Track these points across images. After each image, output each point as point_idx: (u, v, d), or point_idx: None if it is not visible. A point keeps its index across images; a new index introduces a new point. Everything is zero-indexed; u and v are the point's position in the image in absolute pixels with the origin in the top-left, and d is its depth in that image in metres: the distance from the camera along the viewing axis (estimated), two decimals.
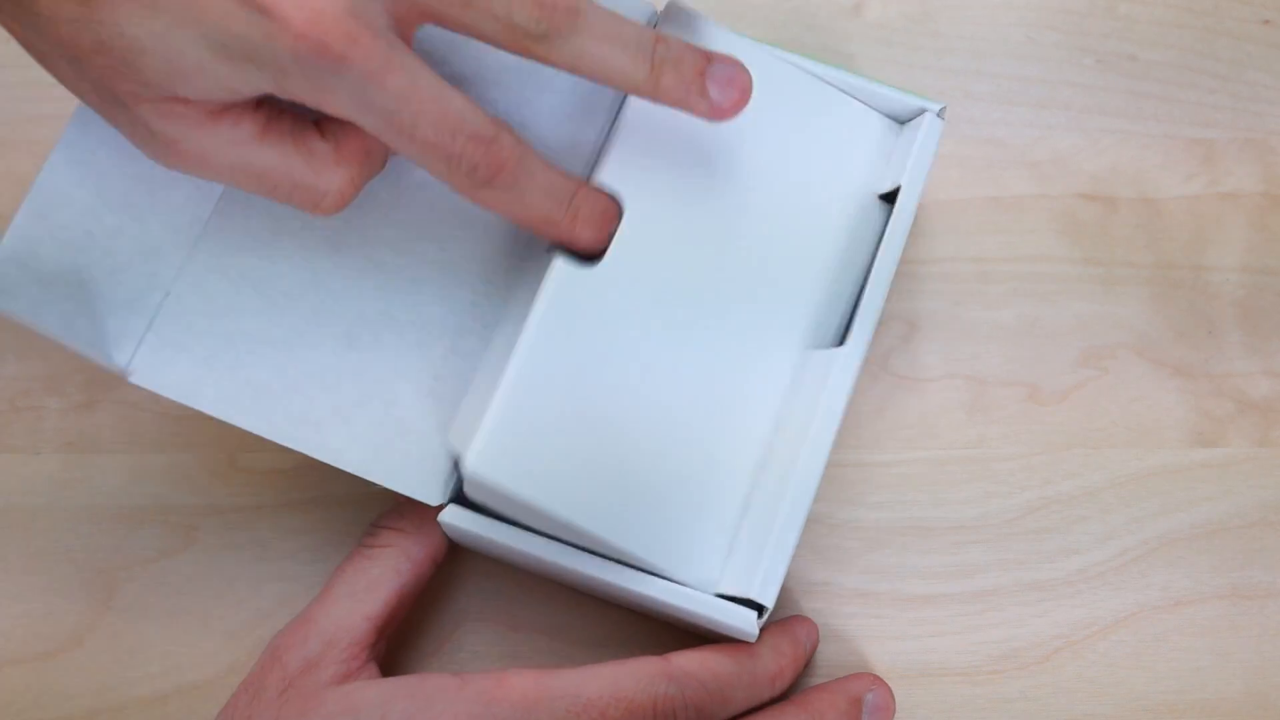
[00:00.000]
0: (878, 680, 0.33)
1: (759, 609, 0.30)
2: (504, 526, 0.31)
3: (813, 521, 0.37)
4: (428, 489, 0.31)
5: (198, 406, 0.30)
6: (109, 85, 0.26)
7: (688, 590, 0.31)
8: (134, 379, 0.30)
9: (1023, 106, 0.42)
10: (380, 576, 0.32)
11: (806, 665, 0.35)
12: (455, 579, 0.37)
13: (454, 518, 0.31)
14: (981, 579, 0.37)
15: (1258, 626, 0.37)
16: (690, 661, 0.30)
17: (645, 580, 0.31)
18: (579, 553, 0.31)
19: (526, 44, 0.27)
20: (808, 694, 0.32)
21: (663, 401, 0.31)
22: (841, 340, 0.33)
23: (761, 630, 0.33)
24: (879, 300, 0.33)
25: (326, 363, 0.31)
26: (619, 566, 0.31)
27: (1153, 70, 0.43)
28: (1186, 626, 0.37)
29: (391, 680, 0.29)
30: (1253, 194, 0.42)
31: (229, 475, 0.37)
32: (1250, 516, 0.38)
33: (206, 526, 0.37)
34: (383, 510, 0.36)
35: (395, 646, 0.36)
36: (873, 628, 0.36)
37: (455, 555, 0.37)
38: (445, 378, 0.32)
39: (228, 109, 0.27)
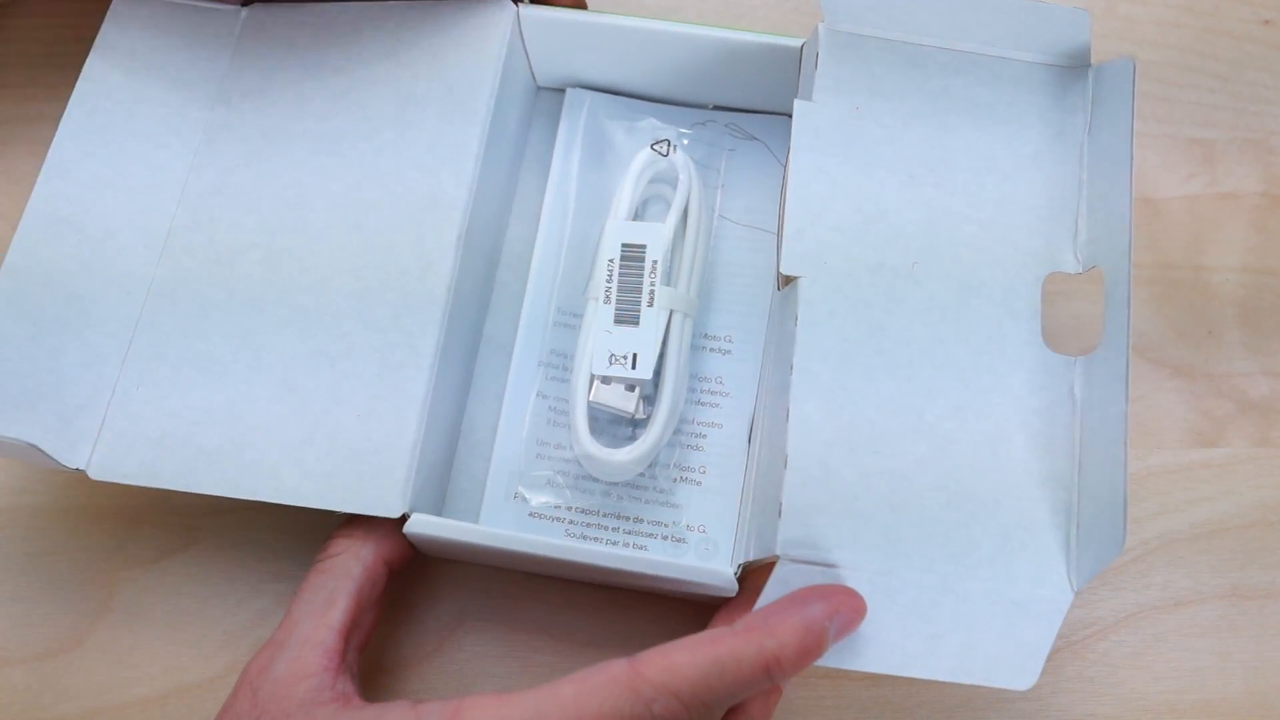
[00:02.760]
0: (842, 599, 0.29)
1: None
2: (466, 526, 0.32)
3: None
4: (387, 504, 0.32)
5: (158, 485, 0.32)
6: None
7: (651, 558, 0.31)
8: (94, 474, 0.32)
9: None
10: (335, 586, 0.32)
11: (826, 644, 0.29)
12: (455, 579, 0.37)
13: (418, 526, 0.32)
14: None
15: (1258, 626, 0.37)
16: (659, 669, 0.27)
17: (599, 553, 0.32)
18: (537, 540, 0.31)
19: None
20: (766, 623, 0.29)
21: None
22: None
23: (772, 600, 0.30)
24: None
25: (269, 412, 0.33)
26: (572, 544, 0.32)
27: (1153, 70, 0.43)
28: (1186, 626, 0.37)
29: (352, 711, 0.29)
30: (1253, 194, 0.42)
31: None
32: (1250, 516, 0.38)
33: (206, 526, 0.37)
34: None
35: (395, 646, 0.36)
36: None
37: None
38: (383, 394, 0.33)
39: None
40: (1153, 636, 0.37)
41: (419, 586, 0.37)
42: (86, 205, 0.35)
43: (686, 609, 0.36)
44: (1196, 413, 0.39)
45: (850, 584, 0.30)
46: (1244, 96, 0.43)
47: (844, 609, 0.29)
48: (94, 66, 0.36)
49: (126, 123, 0.36)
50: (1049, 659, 0.36)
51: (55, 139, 0.35)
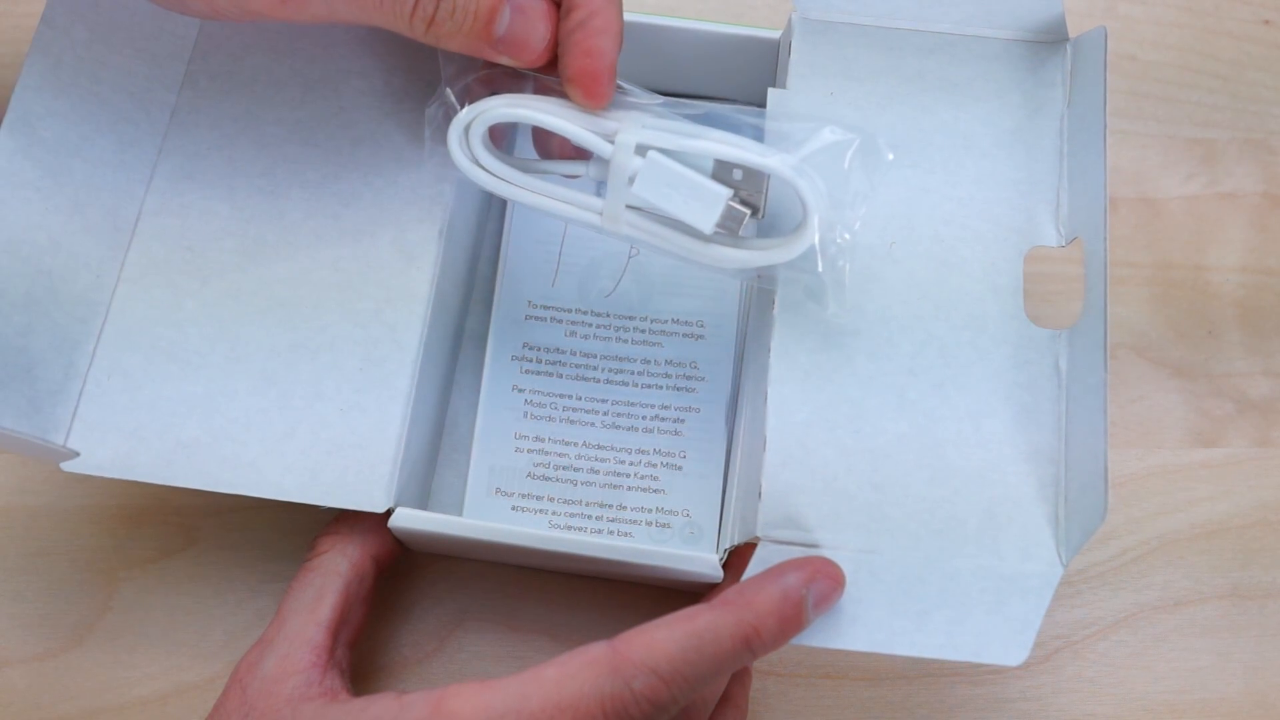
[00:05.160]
0: (817, 567, 0.29)
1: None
2: (450, 519, 0.32)
3: None
4: (371, 498, 0.32)
5: (134, 478, 0.31)
6: None
7: (633, 546, 0.31)
8: (66, 465, 0.31)
9: None
10: (323, 583, 0.32)
11: (805, 615, 0.29)
12: (456, 579, 0.37)
13: (403, 520, 0.32)
14: None
15: (1258, 626, 0.37)
16: (638, 647, 0.27)
17: (581, 543, 0.31)
18: (521, 531, 0.31)
19: None
20: (742, 596, 0.28)
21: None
22: None
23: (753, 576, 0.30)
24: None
25: (249, 404, 0.32)
26: (554, 534, 0.31)
27: (1153, 70, 0.43)
28: (1186, 626, 0.37)
29: (338, 705, 0.29)
30: (1253, 194, 0.42)
31: None
32: (1250, 516, 0.38)
33: (206, 526, 0.37)
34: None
35: (395, 647, 0.36)
36: None
37: (455, 558, 0.37)
38: (366, 388, 0.33)
39: None
40: (1153, 636, 0.37)
41: (419, 586, 0.37)
42: (53, 171, 0.33)
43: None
44: (1196, 413, 0.39)
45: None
46: (1244, 96, 0.43)
47: (821, 577, 0.29)
48: (55, 10, 0.34)
49: (92, 85, 0.34)
50: (1049, 659, 0.36)
51: (18, 85, 0.33)
